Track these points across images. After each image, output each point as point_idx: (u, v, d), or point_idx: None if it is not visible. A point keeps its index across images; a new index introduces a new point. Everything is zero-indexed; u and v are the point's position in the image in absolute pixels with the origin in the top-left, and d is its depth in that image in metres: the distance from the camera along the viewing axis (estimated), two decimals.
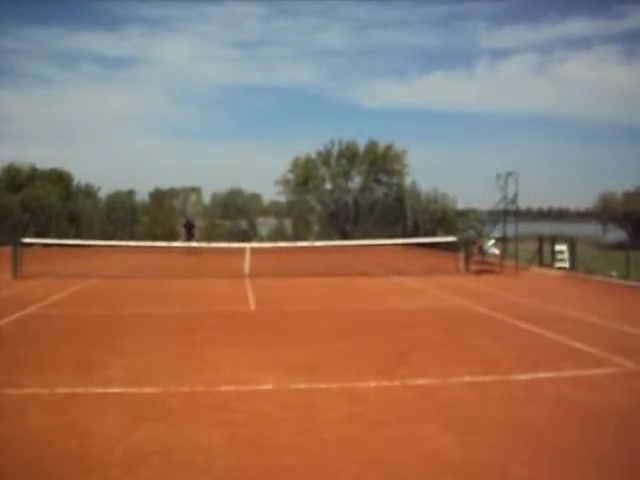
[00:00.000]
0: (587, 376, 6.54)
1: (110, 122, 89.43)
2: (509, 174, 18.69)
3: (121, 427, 4.91)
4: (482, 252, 19.79)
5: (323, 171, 42.06)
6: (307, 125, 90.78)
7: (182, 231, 30.08)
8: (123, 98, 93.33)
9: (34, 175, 39.65)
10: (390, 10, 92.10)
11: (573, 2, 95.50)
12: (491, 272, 18.21)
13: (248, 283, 15.56)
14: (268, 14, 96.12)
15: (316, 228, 39.33)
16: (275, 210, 42.66)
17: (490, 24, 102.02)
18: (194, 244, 25.15)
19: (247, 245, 19.72)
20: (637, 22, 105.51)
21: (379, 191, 41.05)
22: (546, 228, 26.43)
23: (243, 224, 39.76)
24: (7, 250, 17.23)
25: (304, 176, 41.07)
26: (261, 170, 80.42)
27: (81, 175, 52.54)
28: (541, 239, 20.64)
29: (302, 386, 6.13)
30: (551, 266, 19.18)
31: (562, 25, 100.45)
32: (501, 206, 19.37)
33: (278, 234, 37.97)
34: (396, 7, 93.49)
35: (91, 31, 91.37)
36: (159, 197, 39.48)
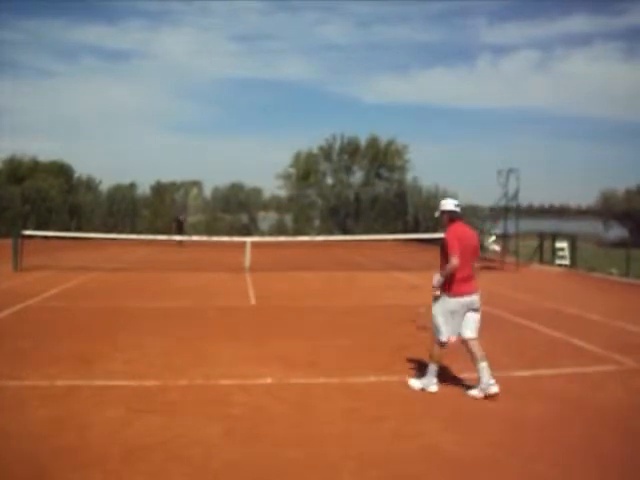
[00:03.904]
0: (587, 373, 6.54)
1: (111, 115, 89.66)
2: (510, 171, 18.69)
3: (120, 420, 4.92)
4: (482, 248, 19.76)
5: (324, 166, 42.02)
6: (308, 119, 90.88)
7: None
8: (124, 91, 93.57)
9: (35, 167, 39.67)
10: (391, 5, 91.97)
11: None
12: (491, 269, 18.20)
13: (248, 277, 15.56)
14: (269, 8, 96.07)
15: (317, 223, 39.29)
16: (276, 204, 42.60)
17: (491, 20, 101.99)
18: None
19: (248, 239, 19.71)
20: (638, 19, 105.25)
21: (380, 186, 40.99)
22: (547, 225, 26.38)
23: (244, 218, 39.73)
24: (8, 242, 17.23)
25: (305, 170, 41.02)
26: (262, 164, 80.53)
27: (82, 168, 52.78)
28: (542, 236, 20.62)
29: (301, 381, 6.13)
30: (552, 263, 19.17)
31: (563, 22, 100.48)
32: (502, 203, 19.37)
33: (279, 228, 37.95)
34: (397, 2, 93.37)
35: (92, 24, 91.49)
36: (160, 190, 39.43)
